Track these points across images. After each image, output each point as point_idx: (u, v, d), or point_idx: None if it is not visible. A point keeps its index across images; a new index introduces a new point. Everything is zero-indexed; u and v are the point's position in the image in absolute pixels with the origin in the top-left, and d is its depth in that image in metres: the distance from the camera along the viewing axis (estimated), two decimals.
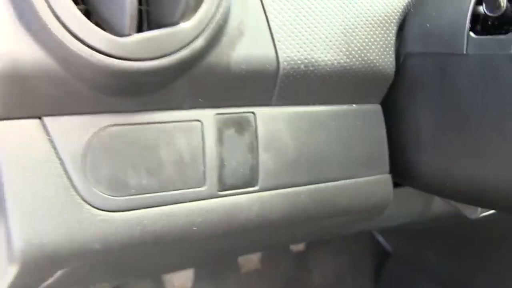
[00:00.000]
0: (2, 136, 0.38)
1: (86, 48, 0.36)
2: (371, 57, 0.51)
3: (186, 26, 0.39)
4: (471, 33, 0.47)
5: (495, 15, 0.46)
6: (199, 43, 0.40)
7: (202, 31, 0.40)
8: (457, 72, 0.49)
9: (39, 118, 0.39)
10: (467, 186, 0.53)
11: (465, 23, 0.48)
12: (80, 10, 0.37)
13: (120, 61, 0.37)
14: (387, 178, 0.57)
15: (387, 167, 0.57)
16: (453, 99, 0.50)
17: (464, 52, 0.47)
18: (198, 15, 0.39)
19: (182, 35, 0.39)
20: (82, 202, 0.40)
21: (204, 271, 1.24)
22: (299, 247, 1.40)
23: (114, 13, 0.36)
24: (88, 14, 0.38)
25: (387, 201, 0.58)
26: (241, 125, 0.47)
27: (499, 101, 0.46)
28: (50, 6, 0.35)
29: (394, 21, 0.54)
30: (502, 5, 0.45)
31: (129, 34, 0.37)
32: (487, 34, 0.47)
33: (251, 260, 1.34)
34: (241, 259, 1.32)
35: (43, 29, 0.36)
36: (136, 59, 0.38)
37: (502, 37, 0.45)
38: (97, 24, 0.38)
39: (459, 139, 0.51)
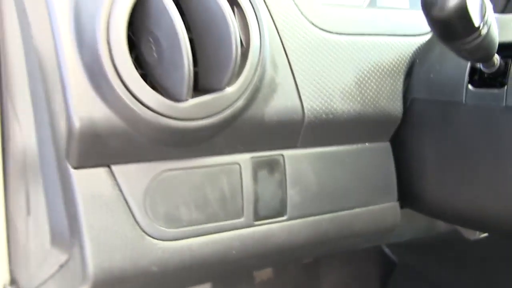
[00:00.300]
0: (79, 182, 0.47)
1: (151, 112, 0.44)
2: (382, 103, 0.60)
3: (231, 90, 0.47)
4: (470, 86, 0.55)
5: (491, 71, 0.54)
6: (240, 103, 0.48)
7: (243, 93, 0.48)
8: (457, 118, 0.57)
9: (108, 166, 0.48)
10: (466, 213, 0.61)
11: (464, 76, 0.56)
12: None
13: (177, 121, 0.45)
14: (395, 205, 0.65)
15: (395, 196, 0.65)
16: (453, 140, 0.58)
17: (463, 102, 0.56)
18: (240, 80, 0.48)
19: (228, 98, 0.47)
20: (144, 234, 0.49)
21: (220, 282, 1.32)
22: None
23: (173, 82, 0.44)
24: (143, 76, 0.46)
25: (395, 224, 0.67)
26: (272, 166, 0.55)
27: (493, 144, 0.55)
28: (120, 78, 0.43)
29: (402, 70, 0.62)
30: (496, 63, 0.53)
31: (186, 100, 0.45)
32: (483, 86, 0.55)
33: (264, 271, 1.42)
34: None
35: (115, 97, 0.44)
36: (189, 119, 0.46)
37: (496, 90, 0.53)
38: (152, 85, 0.46)
39: (459, 173, 0.59)
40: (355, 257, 1.47)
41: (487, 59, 0.51)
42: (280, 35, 0.53)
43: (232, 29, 0.45)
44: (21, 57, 0.51)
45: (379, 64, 0.60)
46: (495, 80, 0.55)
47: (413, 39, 0.64)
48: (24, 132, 0.58)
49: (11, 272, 0.68)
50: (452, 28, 0.45)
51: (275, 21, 0.53)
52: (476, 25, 0.44)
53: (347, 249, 0.91)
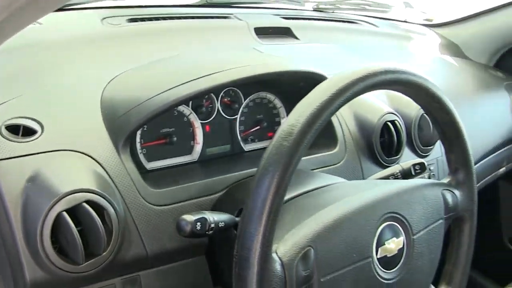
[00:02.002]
0: None
1: (64, 272, 0.95)
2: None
3: (104, 254, 0.96)
4: None
5: None
6: (111, 258, 1.00)
7: (112, 253, 0.99)
8: None
9: None
10: None
11: None
12: (55, 247, 0.96)
13: (77, 274, 0.96)
14: None
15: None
16: None
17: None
18: (109, 248, 0.98)
19: (103, 258, 0.97)
20: None
21: None
22: None
23: (75, 256, 0.95)
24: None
25: None
26: (134, 282, 1.07)
27: None
28: (48, 258, 0.94)
29: None
30: None
31: (81, 264, 0.96)
32: None
33: None
34: None
35: (46, 267, 0.94)
36: (83, 272, 0.97)
37: None
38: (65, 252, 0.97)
39: None
40: None
41: None
42: (131, 213, 1.05)
43: (101, 231, 0.96)
44: None
45: None
46: None
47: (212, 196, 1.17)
48: None
49: None
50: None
51: (129, 207, 1.05)
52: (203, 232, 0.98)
53: None
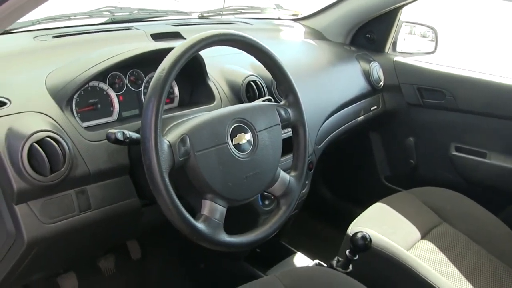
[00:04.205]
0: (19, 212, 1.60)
1: (37, 181, 1.53)
2: None
3: (62, 169, 1.61)
4: None
5: None
6: (66, 173, 1.63)
7: (66, 167, 1.63)
8: None
9: (27, 203, 1.61)
10: None
11: None
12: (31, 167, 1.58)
13: (45, 183, 1.57)
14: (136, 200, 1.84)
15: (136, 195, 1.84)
16: None
17: None
18: (64, 166, 1.63)
19: (63, 172, 1.62)
20: (36, 217, 1.63)
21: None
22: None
23: (43, 171, 1.58)
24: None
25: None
26: (83, 192, 1.71)
27: None
28: (26, 171, 1.56)
29: None
30: None
31: (48, 175, 1.58)
32: None
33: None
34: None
35: (25, 175, 1.56)
36: (50, 181, 1.59)
37: None
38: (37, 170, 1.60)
39: None
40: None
41: None
42: (76, 146, 1.67)
43: (60, 153, 1.59)
44: None
45: None
46: None
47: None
48: None
49: None
50: None
51: (74, 143, 1.67)
52: (123, 139, 1.64)
53: None
